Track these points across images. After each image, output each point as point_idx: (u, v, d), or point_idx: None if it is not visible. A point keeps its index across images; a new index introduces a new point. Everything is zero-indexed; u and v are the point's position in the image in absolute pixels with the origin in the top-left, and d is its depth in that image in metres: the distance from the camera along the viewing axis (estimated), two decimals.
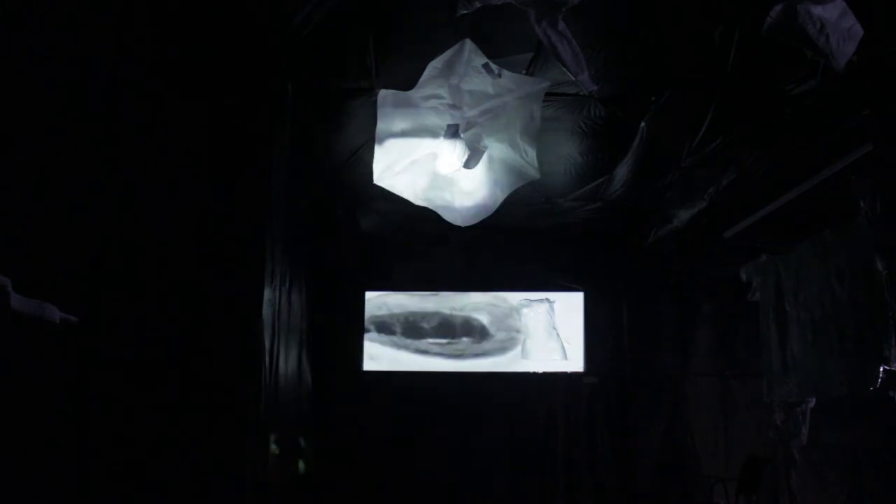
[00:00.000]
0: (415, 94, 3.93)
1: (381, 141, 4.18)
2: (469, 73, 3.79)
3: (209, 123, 3.32)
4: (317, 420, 6.38)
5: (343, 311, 7.24)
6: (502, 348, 7.40)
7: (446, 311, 7.45)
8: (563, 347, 7.37)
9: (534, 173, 4.44)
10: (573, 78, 3.42)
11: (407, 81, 3.87)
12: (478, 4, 3.05)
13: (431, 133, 4.20)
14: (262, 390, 3.43)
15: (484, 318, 7.45)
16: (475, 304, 7.46)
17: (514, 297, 7.47)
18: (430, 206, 4.60)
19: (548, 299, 7.44)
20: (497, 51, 3.72)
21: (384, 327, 7.39)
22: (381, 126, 4.10)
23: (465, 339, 7.40)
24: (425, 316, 7.44)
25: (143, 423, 2.99)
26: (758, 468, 5.92)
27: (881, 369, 4.25)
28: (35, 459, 2.48)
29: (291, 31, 3.44)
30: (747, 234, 5.99)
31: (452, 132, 4.13)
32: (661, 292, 7.56)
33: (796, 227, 5.36)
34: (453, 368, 7.31)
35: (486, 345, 7.40)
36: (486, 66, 3.72)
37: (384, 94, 3.97)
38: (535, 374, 7.36)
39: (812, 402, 5.30)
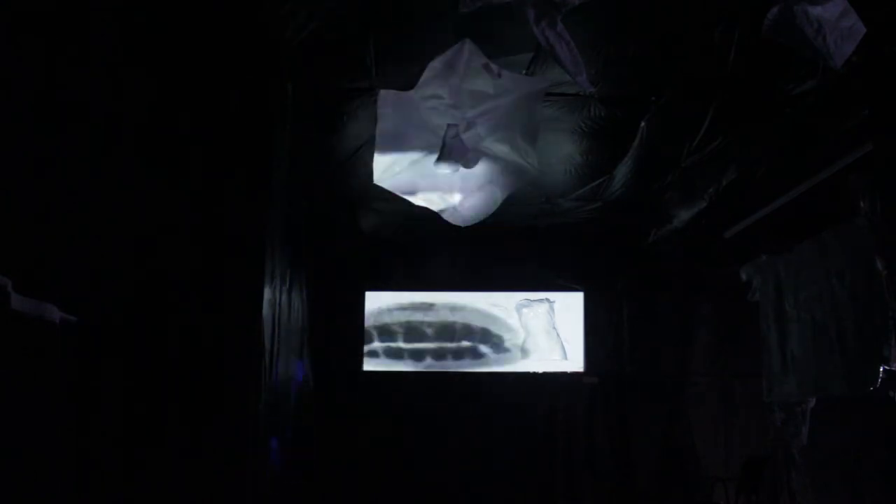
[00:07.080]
0: (415, 94, 3.92)
1: (381, 141, 4.17)
2: (469, 73, 3.78)
3: (209, 123, 3.32)
4: (317, 420, 6.38)
5: (343, 311, 7.23)
6: (502, 348, 7.39)
7: (446, 311, 7.45)
8: (563, 347, 7.36)
9: (534, 173, 4.43)
10: (572, 79, 3.42)
11: (407, 81, 3.86)
12: (479, 3, 3.05)
13: (431, 133, 4.19)
14: (262, 390, 3.43)
15: (484, 318, 7.45)
16: (475, 304, 7.46)
17: (514, 297, 7.46)
18: (430, 207, 4.59)
19: (548, 299, 7.43)
20: (497, 51, 3.71)
21: (385, 330, 7.39)
22: (381, 126, 4.09)
23: (464, 340, 7.40)
24: (426, 316, 7.43)
25: (142, 422, 2.99)
26: (758, 468, 5.92)
27: (881, 369, 4.25)
28: (35, 459, 2.49)
29: (291, 31, 3.45)
30: (747, 234, 5.99)
31: (452, 132, 4.12)
32: (661, 292, 7.55)
33: (796, 227, 5.35)
34: (453, 369, 7.31)
35: (486, 345, 7.40)
36: (486, 66, 3.72)
37: (384, 94, 3.96)
38: (535, 374, 7.35)
39: (812, 402, 5.30)
